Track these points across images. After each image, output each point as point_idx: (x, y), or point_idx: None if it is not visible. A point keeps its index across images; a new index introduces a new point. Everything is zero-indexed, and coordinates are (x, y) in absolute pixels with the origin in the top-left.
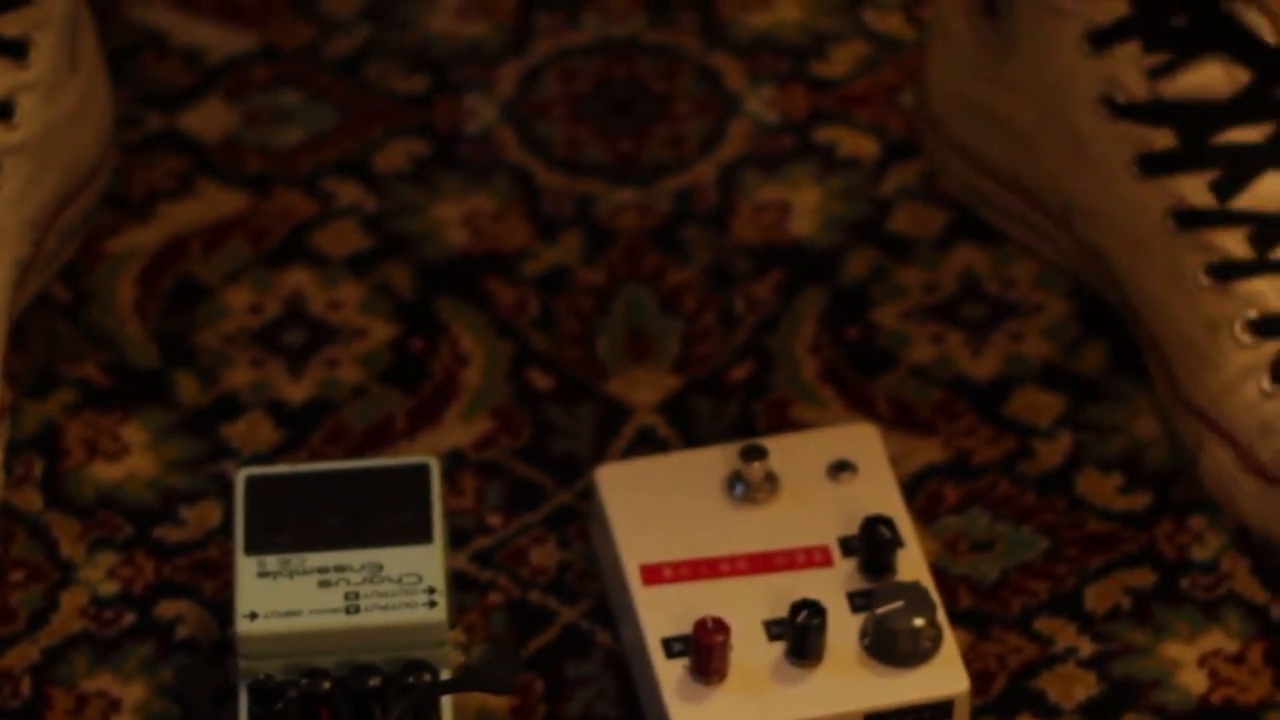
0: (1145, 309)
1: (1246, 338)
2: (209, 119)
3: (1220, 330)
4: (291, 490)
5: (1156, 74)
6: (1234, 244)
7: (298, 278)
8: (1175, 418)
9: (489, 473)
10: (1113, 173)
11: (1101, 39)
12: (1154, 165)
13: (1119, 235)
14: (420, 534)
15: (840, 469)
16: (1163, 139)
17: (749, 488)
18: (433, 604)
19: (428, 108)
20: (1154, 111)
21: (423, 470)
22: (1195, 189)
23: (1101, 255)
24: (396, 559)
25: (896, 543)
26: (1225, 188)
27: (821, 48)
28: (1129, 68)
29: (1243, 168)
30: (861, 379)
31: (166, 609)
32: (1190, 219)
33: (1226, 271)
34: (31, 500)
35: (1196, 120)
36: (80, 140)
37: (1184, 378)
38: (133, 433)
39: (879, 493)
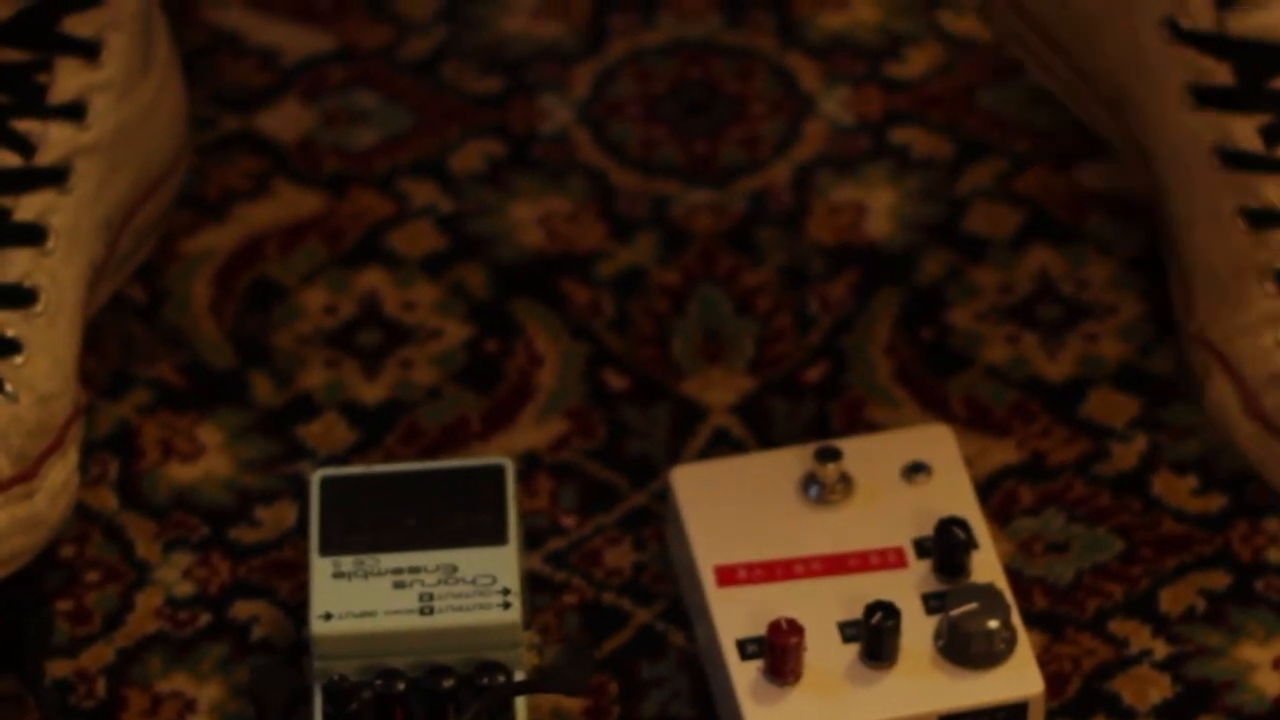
0: (1178, 229)
1: (1272, 287)
2: (285, 120)
3: (1247, 274)
4: (366, 491)
5: (1226, 5)
6: (1275, 193)
7: (373, 278)
8: (1188, 342)
9: (563, 474)
10: (1166, 92)
11: None
12: (1207, 97)
13: (1165, 149)
14: (495, 535)
15: (914, 470)
16: (1221, 73)
17: (823, 489)
18: (507, 605)
19: (503, 109)
20: (1216, 44)
21: (497, 471)
22: (1245, 131)
23: (1148, 156)
24: (471, 560)
25: (971, 544)
26: (1275, 135)
27: (897, 49)
28: None
29: None
30: (936, 380)
31: (242, 610)
32: (1235, 159)
33: (1263, 219)
34: (107, 500)
35: (1257, 61)
36: (154, 140)
37: (1204, 308)
38: (208, 433)
39: (953, 494)
